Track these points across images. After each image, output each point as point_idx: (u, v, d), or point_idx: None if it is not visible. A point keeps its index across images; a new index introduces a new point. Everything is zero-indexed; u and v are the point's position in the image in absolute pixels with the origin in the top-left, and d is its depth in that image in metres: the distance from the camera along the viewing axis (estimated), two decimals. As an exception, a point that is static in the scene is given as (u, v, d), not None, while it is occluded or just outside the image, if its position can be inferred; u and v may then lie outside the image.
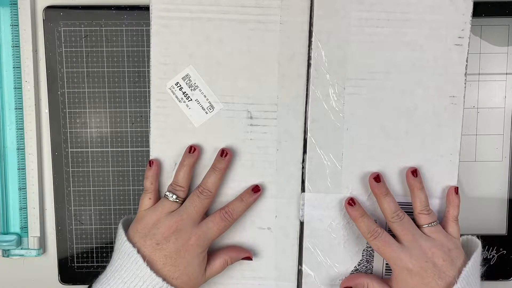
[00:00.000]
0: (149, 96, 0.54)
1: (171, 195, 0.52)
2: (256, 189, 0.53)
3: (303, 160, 0.54)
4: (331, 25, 0.53)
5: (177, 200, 0.52)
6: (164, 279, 0.49)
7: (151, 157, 0.54)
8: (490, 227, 0.65)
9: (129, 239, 0.51)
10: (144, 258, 0.49)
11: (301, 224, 0.55)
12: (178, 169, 0.53)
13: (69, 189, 0.63)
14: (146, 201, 0.53)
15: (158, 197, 0.54)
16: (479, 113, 0.64)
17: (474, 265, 0.51)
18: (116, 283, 0.49)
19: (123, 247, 0.51)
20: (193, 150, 0.53)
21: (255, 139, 0.54)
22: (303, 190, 0.54)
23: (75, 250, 0.64)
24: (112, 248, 0.53)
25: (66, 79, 0.62)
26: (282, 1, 0.52)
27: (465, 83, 0.53)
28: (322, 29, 0.53)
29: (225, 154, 0.52)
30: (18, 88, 0.62)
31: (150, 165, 0.53)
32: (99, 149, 0.63)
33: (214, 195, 0.52)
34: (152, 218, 0.51)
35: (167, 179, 0.54)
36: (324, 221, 0.54)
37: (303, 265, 0.55)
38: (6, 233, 0.64)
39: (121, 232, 0.52)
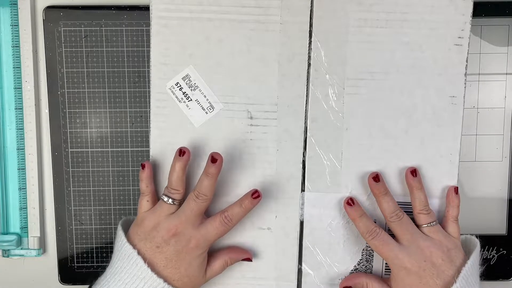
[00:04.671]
0: (149, 96, 0.54)
1: (166, 198, 0.52)
2: (256, 195, 0.52)
3: (303, 160, 0.54)
4: (330, 26, 0.53)
5: (174, 203, 0.52)
6: (165, 281, 0.49)
7: (151, 158, 0.54)
8: (490, 227, 0.65)
9: (129, 241, 0.51)
10: (144, 260, 0.49)
11: (301, 223, 0.55)
12: (170, 173, 0.52)
13: (69, 189, 0.63)
14: (144, 203, 0.53)
15: (156, 198, 0.54)
16: (479, 113, 0.64)
17: (474, 264, 0.51)
18: (117, 284, 0.49)
19: (123, 249, 0.50)
20: (183, 153, 0.52)
21: (255, 139, 0.54)
22: (303, 189, 0.54)
23: (75, 250, 0.64)
24: (112, 248, 0.53)
25: (66, 79, 0.62)
26: (282, 1, 0.52)
27: (465, 83, 0.53)
28: (321, 30, 0.53)
29: (215, 160, 0.51)
30: (18, 88, 0.62)
31: (142, 168, 0.53)
32: (99, 149, 0.63)
33: (210, 198, 0.52)
34: (152, 221, 0.51)
35: (167, 180, 0.54)
36: (323, 220, 0.54)
37: (303, 265, 0.55)
38: (6, 233, 0.64)
39: (120, 234, 0.52)
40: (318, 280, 0.55)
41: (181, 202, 0.52)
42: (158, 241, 0.50)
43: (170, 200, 0.52)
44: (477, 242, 0.52)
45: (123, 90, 0.63)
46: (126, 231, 0.53)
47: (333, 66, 0.53)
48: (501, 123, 0.64)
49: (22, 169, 0.63)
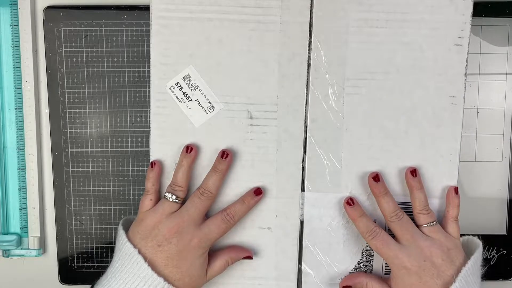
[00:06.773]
0: (149, 96, 0.54)
1: (170, 195, 0.52)
2: (258, 192, 0.53)
3: (303, 160, 0.54)
4: (330, 26, 0.53)
5: (177, 201, 0.52)
6: (165, 280, 0.49)
7: (151, 158, 0.54)
8: (490, 227, 0.65)
9: (130, 240, 0.51)
10: (145, 259, 0.49)
11: (301, 223, 0.55)
12: (176, 169, 0.53)
13: (69, 189, 0.64)
14: (147, 202, 0.53)
15: (159, 198, 0.54)
16: (479, 113, 0.64)
17: (474, 265, 0.51)
18: (117, 284, 0.49)
19: (124, 248, 0.50)
20: (190, 150, 0.53)
21: (255, 139, 0.54)
22: (303, 189, 0.54)
23: (75, 250, 0.64)
24: (112, 248, 0.53)
25: (66, 79, 0.62)
26: (282, 1, 0.52)
27: (465, 83, 0.53)
28: (321, 30, 0.53)
29: (226, 155, 0.52)
30: (18, 88, 0.62)
31: (152, 167, 0.53)
32: (99, 149, 0.63)
33: (215, 196, 0.52)
34: (153, 220, 0.51)
35: (168, 180, 0.54)
36: (323, 220, 0.54)
37: (303, 264, 0.55)
38: (6, 233, 0.64)
39: (121, 233, 0.52)
40: (318, 280, 0.55)
41: (182, 202, 0.52)
42: (159, 239, 0.50)
43: (174, 197, 0.52)
44: (479, 243, 0.52)
45: (123, 90, 0.63)
46: (126, 230, 0.52)
47: (333, 66, 0.53)
48: (501, 123, 0.64)
49: (22, 169, 0.63)
